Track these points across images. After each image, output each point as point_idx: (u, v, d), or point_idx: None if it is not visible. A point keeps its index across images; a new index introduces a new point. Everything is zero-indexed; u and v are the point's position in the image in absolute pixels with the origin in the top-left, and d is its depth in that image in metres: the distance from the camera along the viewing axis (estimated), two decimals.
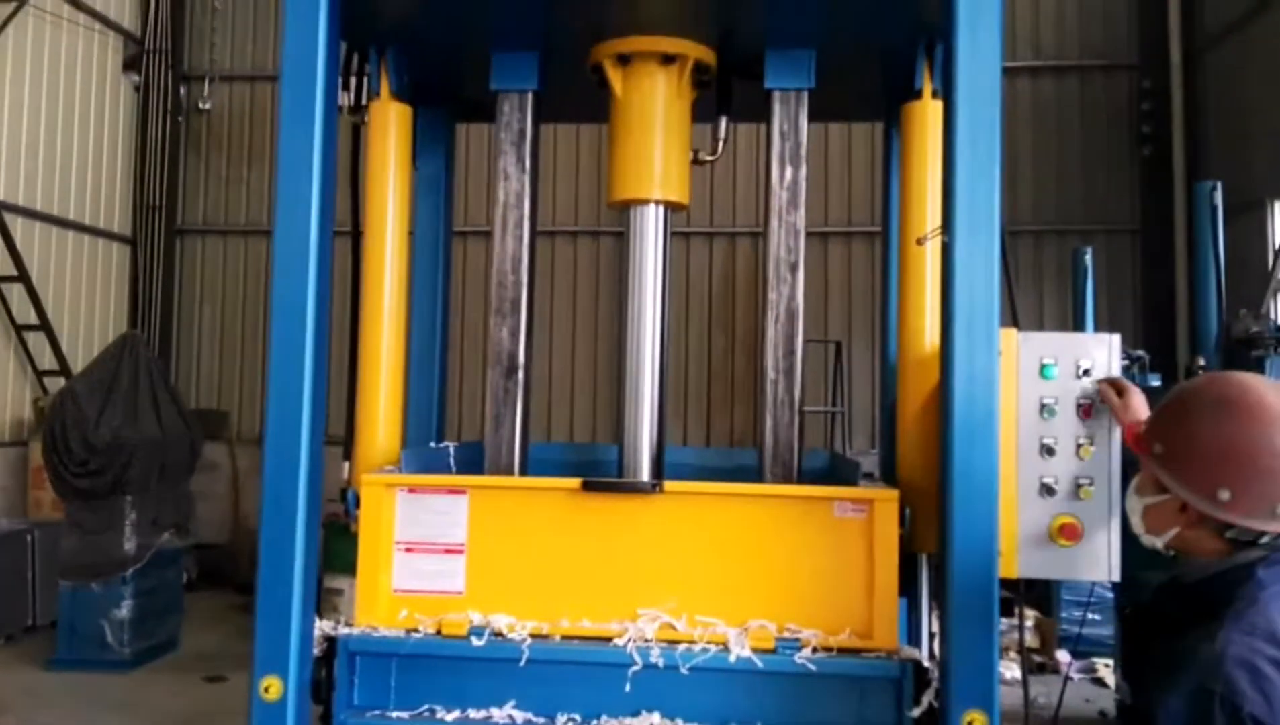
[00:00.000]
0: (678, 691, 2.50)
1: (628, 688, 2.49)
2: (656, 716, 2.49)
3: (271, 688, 2.45)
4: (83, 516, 6.92)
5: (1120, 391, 2.45)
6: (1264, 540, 1.68)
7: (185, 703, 6.34)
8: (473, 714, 2.56)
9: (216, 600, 9.08)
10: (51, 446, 6.88)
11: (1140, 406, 2.40)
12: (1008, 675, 6.59)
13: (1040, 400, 2.52)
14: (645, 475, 2.85)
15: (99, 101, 10.47)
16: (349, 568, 2.97)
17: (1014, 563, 2.49)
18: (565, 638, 2.57)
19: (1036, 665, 7.21)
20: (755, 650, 2.46)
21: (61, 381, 8.51)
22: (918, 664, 2.42)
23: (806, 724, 2.49)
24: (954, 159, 2.39)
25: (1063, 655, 7.22)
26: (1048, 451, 2.51)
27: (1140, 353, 6.74)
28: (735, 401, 10.50)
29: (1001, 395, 2.39)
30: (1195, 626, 1.64)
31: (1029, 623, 7.43)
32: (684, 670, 2.46)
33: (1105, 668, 7.11)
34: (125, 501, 6.92)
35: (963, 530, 2.32)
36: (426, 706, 2.59)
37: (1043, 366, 2.53)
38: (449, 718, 2.55)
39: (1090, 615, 7.01)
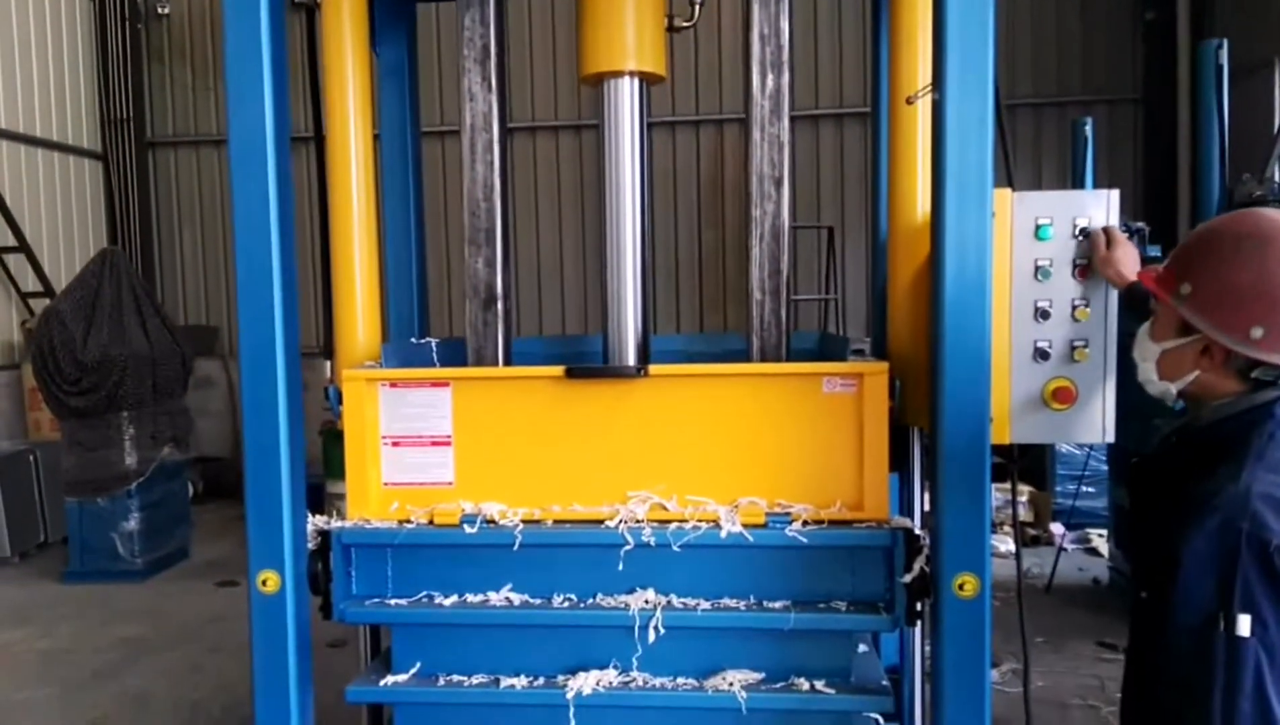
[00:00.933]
0: (670, 569, 2.51)
1: (621, 567, 2.50)
2: (651, 593, 2.51)
3: (269, 581, 2.45)
4: (81, 434, 6.95)
5: (1110, 242, 2.39)
6: None
7: (200, 607, 6.46)
8: (470, 598, 2.59)
9: (223, 512, 9.19)
10: (42, 367, 6.86)
11: (1126, 260, 2.35)
12: (1001, 548, 6.70)
13: (1035, 262, 2.46)
14: (630, 361, 2.81)
15: (54, 11, 10.12)
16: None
17: (1006, 429, 2.47)
18: (557, 522, 2.57)
19: (1030, 538, 7.34)
20: (746, 526, 2.46)
21: (46, 302, 8.43)
22: (909, 532, 2.43)
23: (799, 596, 2.52)
24: (945, 9, 2.27)
25: (1056, 528, 7.33)
26: (1042, 315, 2.46)
27: (1141, 224, 6.64)
28: (728, 299, 10.43)
29: (995, 258, 2.33)
30: (1212, 470, 1.61)
31: (1023, 498, 7.54)
32: (676, 548, 2.47)
33: (1099, 538, 7.23)
34: (121, 418, 6.93)
35: (954, 397, 2.28)
36: (424, 594, 2.61)
37: (1038, 227, 2.46)
38: (447, 603, 2.57)
39: (1085, 488, 7.09)
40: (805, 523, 2.47)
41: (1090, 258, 2.45)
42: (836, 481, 2.53)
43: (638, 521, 2.51)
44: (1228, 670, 1.48)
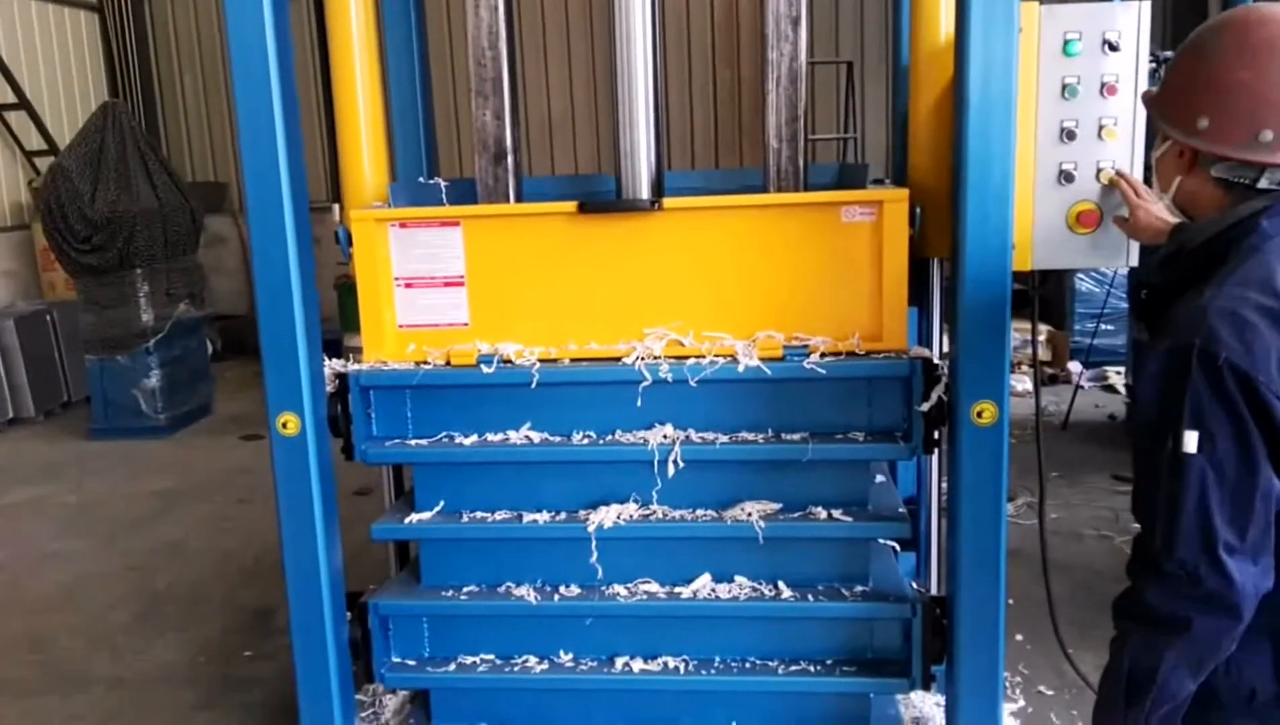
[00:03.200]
0: (688, 405, 2.52)
1: (639, 403, 2.51)
2: (669, 428, 2.52)
3: (289, 423, 2.47)
4: (96, 292, 6.96)
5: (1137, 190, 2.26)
6: (1263, 184, 1.55)
7: (226, 460, 6.60)
8: (490, 438, 2.61)
9: (243, 369, 9.28)
10: (52, 226, 6.81)
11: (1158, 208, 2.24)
12: (1019, 388, 6.72)
13: (1062, 80, 2.34)
14: (644, 196, 2.74)
15: None
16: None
17: (1029, 255, 2.40)
18: (574, 361, 2.56)
19: (1048, 378, 7.34)
20: (763, 360, 2.45)
21: (51, 161, 8.31)
22: (927, 361, 2.41)
23: (816, 428, 2.52)
24: None
25: (1074, 366, 7.32)
26: (1068, 135, 2.36)
27: (1169, 54, 6.34)
28: (744, 140, 10.17)
29: (1020, 77, 2.22)
30: (1199, 293, 1.52)
31: (1041, 337, 7.50)
32: (693, 383, 2.46)
33: (1116, 375, 7.23)
34: (135, 274, 6.92)
35: (976, 221, 2.22)
36: (444, 434, 2.64)
37: (1066, 42, 2.33)
38: (467, 442, 2.59)
39: (1104, 326, 7.05)
40: (823, 355, 2.45)
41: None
42: (855, 313, 2.50)
43: (654, 358, 2.50)
44: (1171, 487, 1.44)
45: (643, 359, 2.50)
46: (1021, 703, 3.27)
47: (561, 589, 2.61)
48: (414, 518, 2.65)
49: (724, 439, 2.53)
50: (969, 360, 2.30)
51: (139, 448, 6.94)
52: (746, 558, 2.55)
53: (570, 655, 2.63)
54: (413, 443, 2.63)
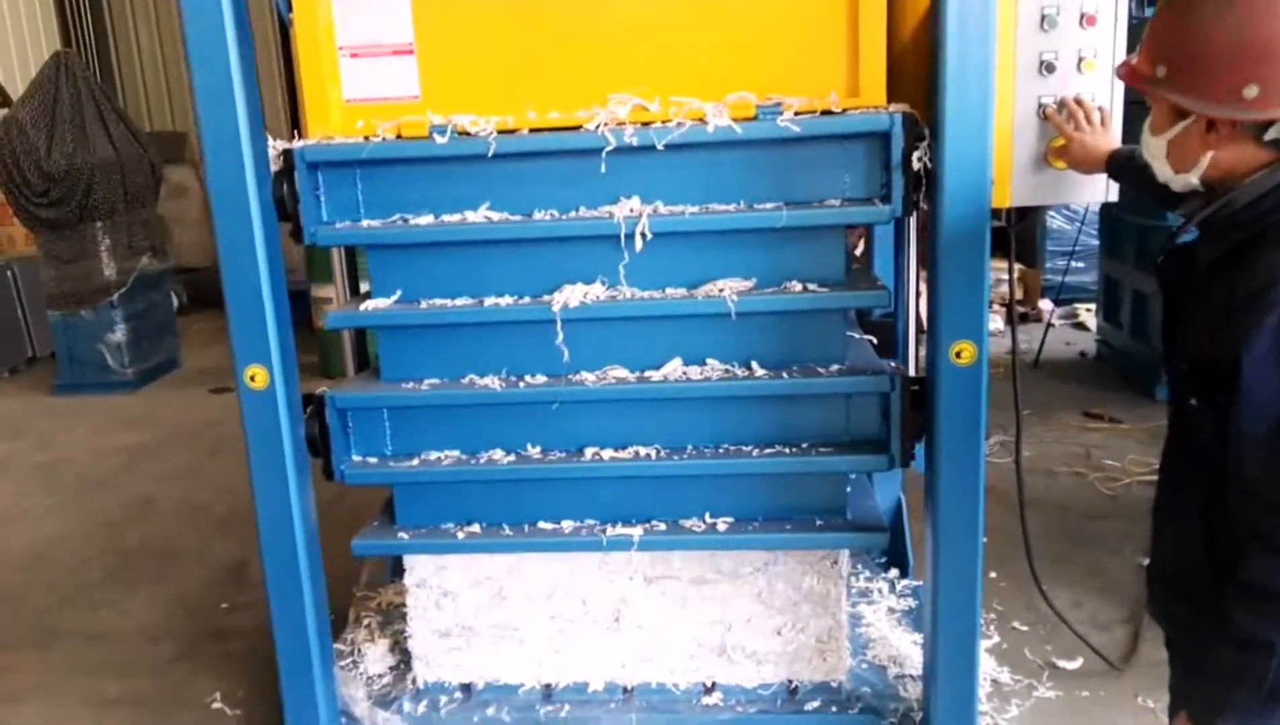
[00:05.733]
0: (655, 176, 2.39)
1: (603, 171, 2.36)
2: (635, 201, 2.41)
3: (257, 376, 2.42)
4: (56, 247, 6.80)
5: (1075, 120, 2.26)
6: None
7: (197, 413, 6.51)
8: (447, 219, 2.48)
9: (210, 322, 9.13)
10: (8, 180, 6.62)
11: (1094, 139, 2.23)
12: (991, 326, 6.74)
13: (1041, 10, 2.29)
14: None
15: None
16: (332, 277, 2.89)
17: (1007, 191, 2.37)
18: (533, 130, 2.41)
19: (1020, 316, 7.37)
20: (735, 120, 2.31)
21: (3, 113, 8.06)
22: (908, 114, 2.28)
23: (791, 197, 2.40)
24: None
25: (1045, 304, 7.35)
26: (1047, 68, 2.32)
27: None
28: None
29: (999, 8, 2.17)
30: (1260, 256, 1.45)
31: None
32: (660, 148, 2.32)
33: (1086, 312, 7.28)
34: (95, 228, 6.75)
35: (954, 160, 2.18)
36: (398, 216, 2.50)
37: None
38: (422, 222, 2.48)
39: (1074, 263, 7.07)
40: (797, 113, 2.32)
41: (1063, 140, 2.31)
42: (831, 69, 2.37)
43: (619, 123, 2.35)
44: None
45: (606, 125, 2.35)
46: (996, 638, 3.32)
47: (527, 378, 2.52)
48: (370, 305, 2.53)
49: (694, 209, 2.40)
50: (948, 301, 2.27)
51: (106, 403, 6.84)
52: (718, 338, 2.48)
53: (538, 448, 2.56)
54: (365, 224, 2.50)
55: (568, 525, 2.58)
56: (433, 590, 2.73)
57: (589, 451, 2.54)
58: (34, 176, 6.53)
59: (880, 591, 3.30)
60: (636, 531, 2.51)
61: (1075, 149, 2.26)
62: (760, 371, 2.47)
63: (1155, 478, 4.57)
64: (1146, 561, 1.85)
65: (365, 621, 3.16)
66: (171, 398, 6.98)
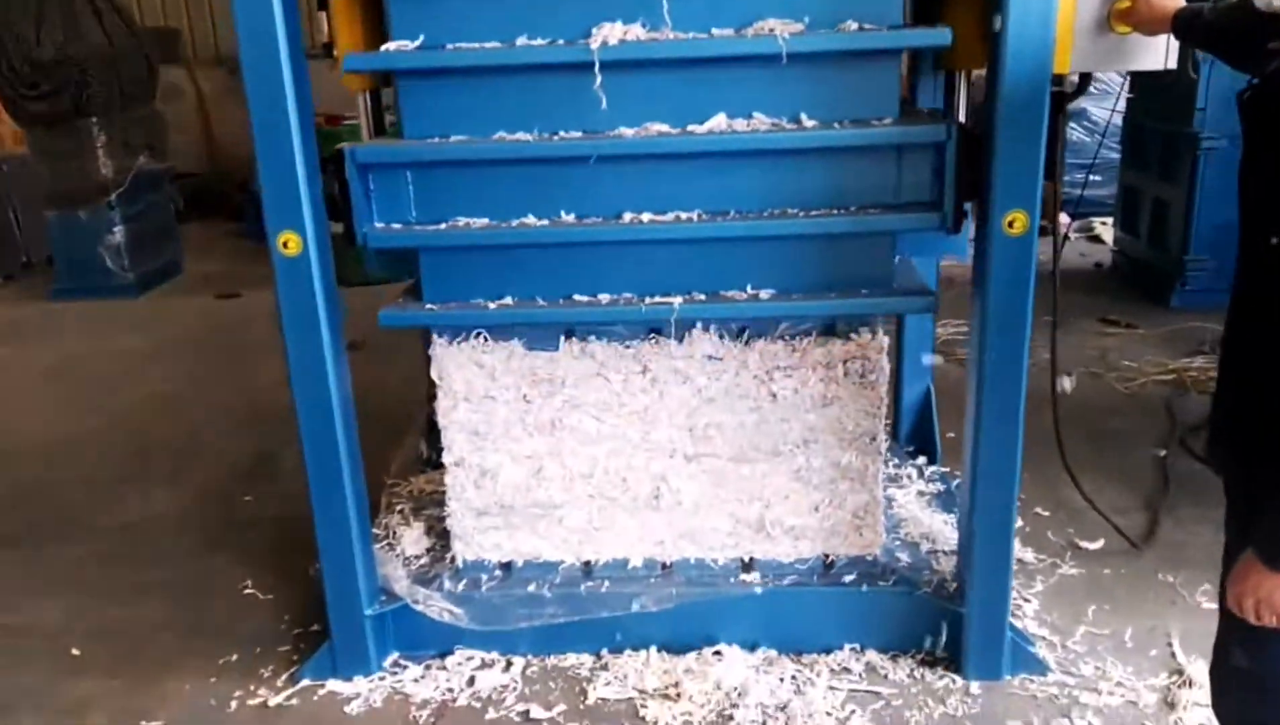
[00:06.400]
0: None
1: None
2: None
3: (289, 243, 2.36)
4: (49, 143, 6.62)
5: None
6: None
7: (203, 318, 6.45)
8: None
9: (210, 229, 9.01)
10: None
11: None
12: None
13: None
14: None
15: None
16: None
17: (1067, 57, 2.31)
18: None
19: (1040, 227, 7.32)
20: None
21: None
22: None
23: None
24: None
25: (1062, 217, 7.29)
26: None
27: None
28: None
29: None
30: None
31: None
32: None
33: (1102, 226, 7.23)
34: (90, 124, 6.58)
35: (1019, 23, 2.12)
36: None
37: None
38: None
39: (1092, 177, 6.99)
40: None
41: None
42: None
43: None
44: None
45: None
46: (1019, 522, 3.34)
47: (561, 134, 2.39)
48: (391, 46, 2.40)
49: None
50: (1003, 168, 2.23)
51: (108, 307, 6.74)
52: (765, 90, 2.36)
53: (573, 216, 2.43)
54: None
55: (604, 298, 2.49)
56: (471, 469, 2.72)
57: (627, 216, 2.42)
58: (23, 67, 6.32)
59: (909, 477, 3.32)
60: (676, 301, 2.43)
61: (1141, 8, 2.20)
62: (810, 123, 2.36)
63: (1171, 377, 4.59)
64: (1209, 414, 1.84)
65: (398, 507, 3.17)
66: (176, 303, 6.90)
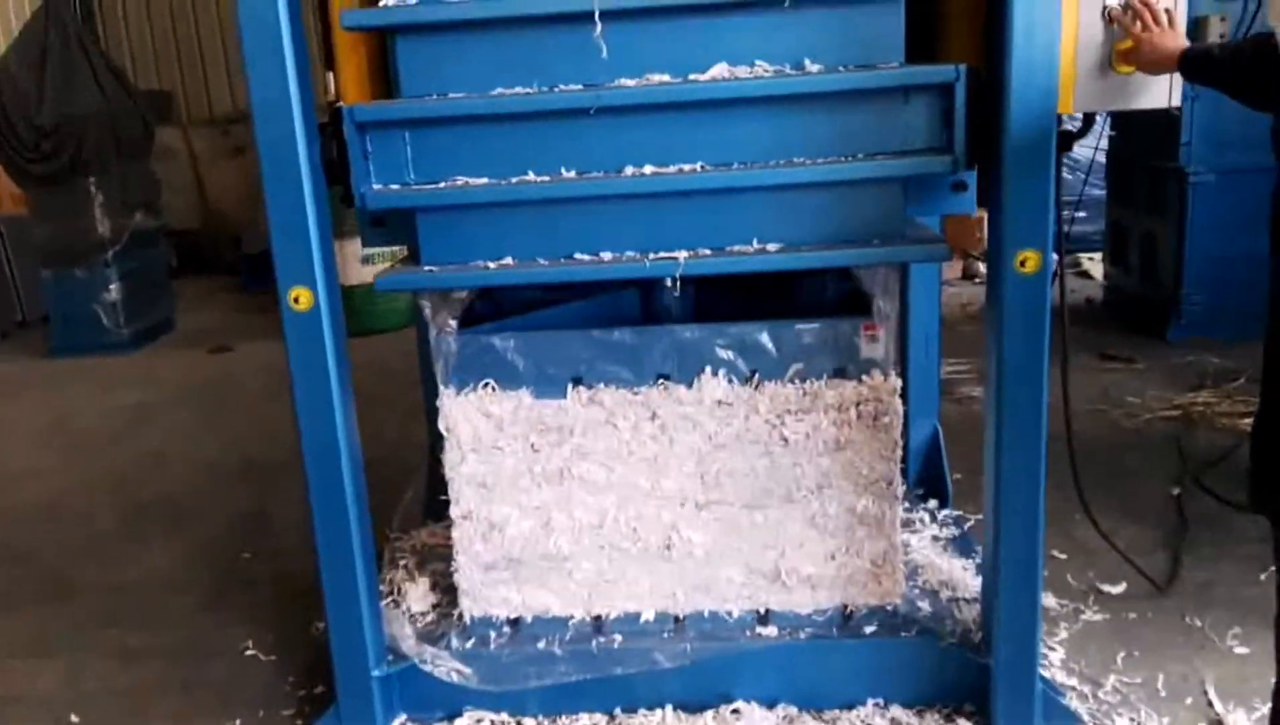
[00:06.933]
0: None
1: None
2: None
3: (300, 298, 2.34)
4: (48, 203, 6.66)
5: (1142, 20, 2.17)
6: None
7: (196, 372, 6.42)
8: None
9: (202, 284, 9.03)
10: None
11: (1165, 38, 2.14)
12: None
13: None
14: None
15: None
16: None
17: (1069, 97, 2.31)
18: None
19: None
20: None
21: None
22: None
23: None
24: None
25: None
26: None
27: None
28: None
29: None
30: None
31: None
32: None
33: (1090, 261, 7.30)
34: (89, 183, 6.61)
35: (1022, 66, 2.12)
36: None
37: None
38: None
39: (1078, 214, 7.04)
40: None
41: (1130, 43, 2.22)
42: None
43: None
44: None
45: None
46: None
47: (561, 87, 2.34)
48: (390, 1, 2.34)
49: None
50: (1012, 208, 2.22)
51: (103, 363, 6.71)
52: (767, 36, 2.30)
53: (573, 172, 2.35)
54: None
55: (607, 256, 2.41)
56: (479, 522, 2.66)
57: (629, 170, 2.35)
58: (24, 131, 6.39)
59: (922, 521, 3.27)
60: (681, 255, 2.35)
61: (1145, 49, 2.20)
62: (814, 67, 2.31)
63: (1177, 412, 4.56)
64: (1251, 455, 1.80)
65: (401, 562, 3.11)
66: (170, 358, 6.87)
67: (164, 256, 7.55)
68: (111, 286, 6.83)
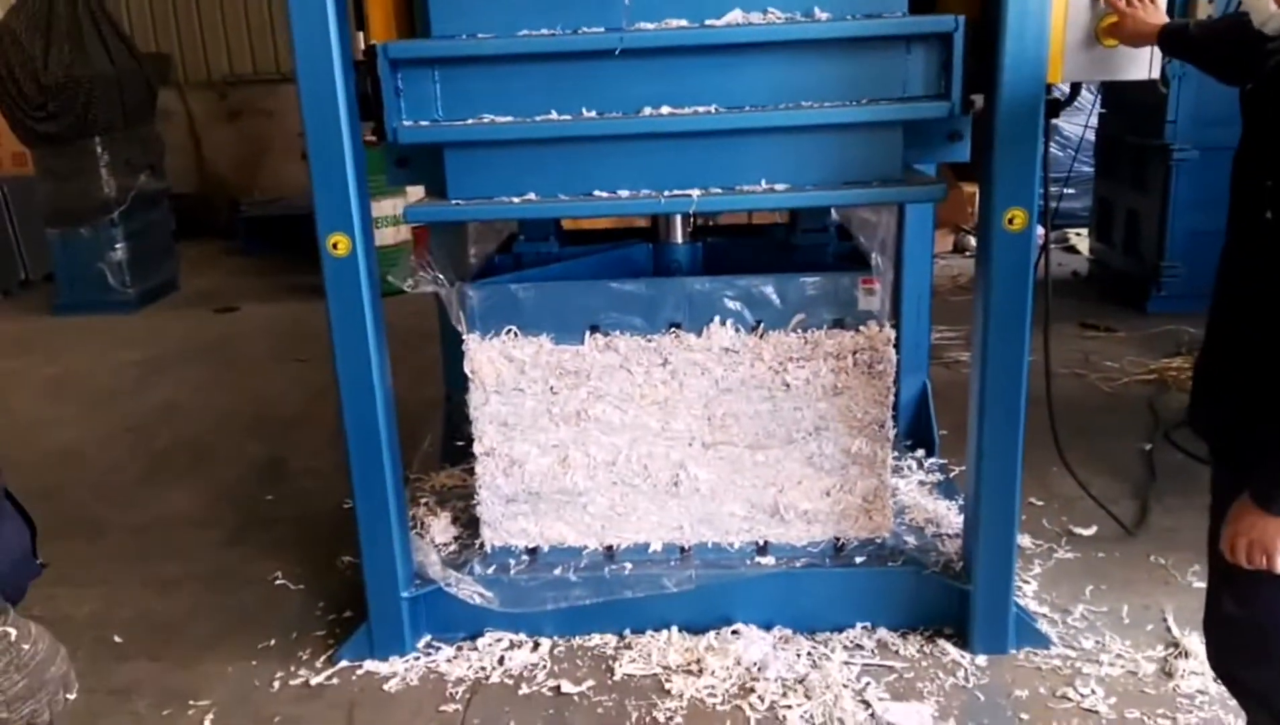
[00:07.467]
0: None
1: None
2: None
3: (339, 244, 2.51)
4: (54, 163, 6.74)
5: None
6: None
7: (203, 331, 6.55)
8: None
9: (203, 247, 9.11)
10: (3, 92, 6.53)
11: (1145, 14, 2.32)
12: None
13: None
14: None
15: None
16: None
17: (1058, 68, 2.50)
18: None
19: None
20: None
21: None
22: None
23: None
24: None
25: (1038, 229, 7.54)
26: None
27: None
28: None
29: None
30: None
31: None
32: None
33: (1077, 236, 7.49)
34: (94, 143, 6.70)
35: (1015, 35, 2.31)
36: None
37: None
38: None
39: (1066, 191, 7.24)
40: None
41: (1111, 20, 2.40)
42: None
43: None
44: None
45: None
46: None
47: (583, 30, 2.48)
48: None
49: None
50: (1004, 165, 2.42)
51: (109, 322, 6.83)
52: None
53: (594, 112, 2.49)
54: None
55: (624, 193, 2.55)
56: (500, 458, 2.86)
57: (646, 110, 2.48)
58: (30, 89, 6.45)
59: (910, 467, 3.49)
60: (694, 193, 2.52)
61: (1127, 24, 2.39)
62: (823, 15, 2.47)
63: (1152, 377, 4.77)
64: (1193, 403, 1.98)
65: (423, 500, 3.30)
66: (176, 317, 7.00)
67: (168, 218, 7.64)
68: (117, 246, 6.94)
